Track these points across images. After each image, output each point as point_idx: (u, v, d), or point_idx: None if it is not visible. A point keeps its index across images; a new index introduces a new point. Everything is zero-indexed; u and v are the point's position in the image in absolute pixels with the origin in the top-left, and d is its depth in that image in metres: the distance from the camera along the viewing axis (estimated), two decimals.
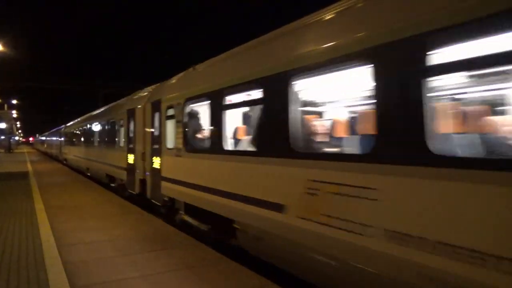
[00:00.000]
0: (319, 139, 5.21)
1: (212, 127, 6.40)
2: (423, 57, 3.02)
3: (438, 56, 3.02)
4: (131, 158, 11.33)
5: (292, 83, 4.52)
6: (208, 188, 6.39)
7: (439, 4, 2.98)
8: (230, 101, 6.12)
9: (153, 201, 9.47)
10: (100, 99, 45.64)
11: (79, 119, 25.94)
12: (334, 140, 5.20)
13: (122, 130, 12.68)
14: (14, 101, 58.93)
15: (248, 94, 5.85)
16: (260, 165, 5.04)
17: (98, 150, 16.43)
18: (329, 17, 4.45)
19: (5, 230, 7.31)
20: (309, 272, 4.45)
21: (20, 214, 8.88)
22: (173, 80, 9.18)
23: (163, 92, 9.09)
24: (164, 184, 8.50)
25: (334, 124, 5.40)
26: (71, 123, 29.11)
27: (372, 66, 3.49)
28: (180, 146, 7.63)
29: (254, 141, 5.68)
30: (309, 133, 5.11)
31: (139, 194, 10.53)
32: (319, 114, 6.32)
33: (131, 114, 11.61)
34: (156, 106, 9.30)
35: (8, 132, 58.91)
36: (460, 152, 3.27)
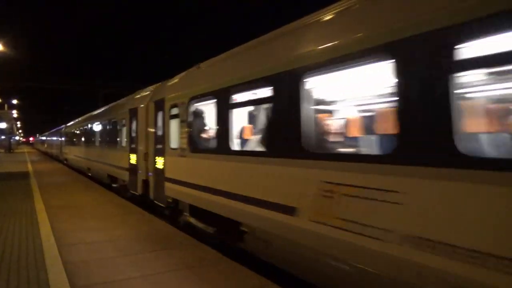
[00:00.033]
0: (334, 139, 5.00)
1: (218, 127, 6.21)
2: (452, 51, 2.84)
3: (468, 50, 2.85)
4: (133, 159, 11.17)
5: (306, 80, 4.33)
6: (214, 189, 6.21)
7: None
8: (238, 99, 5.94)
9: (156, 202, 9.28)
10: (100, 99, 45.65)
11: (80, 118, 25.78)
12: (351, 140, 4.98)
13: (124, 130, 12.54)
14: (15, 101, 58.94)
15: (258, 92, 5.66)
16: (270, 166, 4.86)
17: (100, 150, 16.29)
18: (346, 9, 4.21)
19: (5, 230, 7.31)
20: (322, 278, 4.28)
21: (21, 214, 8.88)
22: (177, 79, 9.01)
23: (167, 91, 8.92)
24: (167, 185, 8.34)
25: (351, 123, 5.17)
26: (72, 122, 28.98)
27: (396, 61, 3.28)
28: (185, 146, 7.46)
29: (263, 141, 5.46)
30: (324, 133, 4.93)
31: (142, 195, 10.35)
32: (335, 113, 5.99)
33: (133, 113, 11.44)
34: (159, 106, 9.13)
35: (9, 132, 58.91)
36: (494, 153, 3.08)
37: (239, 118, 6.33)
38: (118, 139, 13.34)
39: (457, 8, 2.86)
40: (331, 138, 4.98)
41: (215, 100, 6.32)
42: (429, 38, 3.00)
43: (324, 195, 3.94)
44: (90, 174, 18.36)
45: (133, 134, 11.30)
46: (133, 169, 11.10)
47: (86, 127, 20.44)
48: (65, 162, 28.34)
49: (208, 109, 7.17)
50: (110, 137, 14.67)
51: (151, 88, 11.29)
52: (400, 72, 3.26)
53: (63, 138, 31.34)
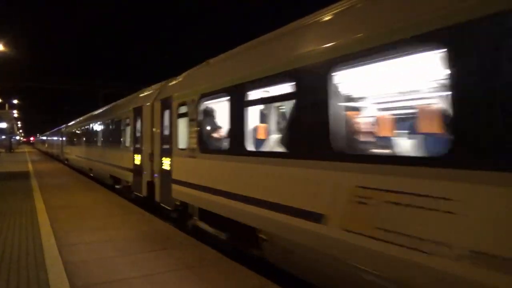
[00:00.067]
0: (373, 139, 4.49)
1: (232, 126, 5.78)
2: None
3: None
4: (137, 159, 10.78)
5: (337, 73, 3.90)
6: (227, 192, 5.78)
7: None
8: (256, 96, 5.51)
9: (162, 205, 8.88)
10: (100, 99, 45.64)
11: (81, 118, 25.41)
12: (395, 140, 4.51)
13: (128, 130, 12.13)
14: (15, 101, 58.99)
15: (279, 88, 5.13)
16: (293, 168, 4.44)
17: (102, 150, 15.93)
18: None
19: (6, 230, 7.31)
20: None
21: (21, 214, 8.88)
22: (185, 76, 8.63)
23: (174, 89, 8.53)
24: (175, 187, 7.92)
25: (393, 122, 4.70)
26: (73, 122, 28.72)
27: (449, 50, 2.87)
28: (194, 146, 7.01)
29: (285, 141, 4.97)
30: (361, 132, 4.44)
31: (147, 198, 9.94)
32: (374, 110, 5.35)
33: (137, 112, 11.07)
34: (166, 104, 8.72)
35: (9, 132, 58.98)
36: None
37: (256, 116, 5.98)
38: (121, 139, 12.97)
39: None
40: (370, 138, 4.48)
41: (229, 97, 5.89)
42: (498, 20, 2.56)
43: (359, 202, 3.53)
44: (92, 175, 18.11)
45: (138, 134, 10.97)
46: (137, 170, 10.75)
47: (88, 126, 20.11)
48: (66, 162, 28.19)
49: (221, 107, 6.76)
50: (113, 137, 14.31)
51: (156, 86, 10.97)
52: (459, 62, 2.84)
53: (64, 138, 31.12)
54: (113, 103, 17.56)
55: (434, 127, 3.64)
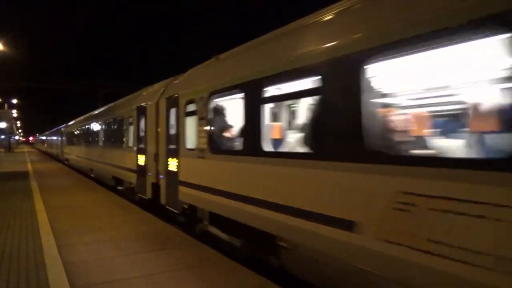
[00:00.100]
0: (418, 139, 4.05)
1: (247, 124, 5.39)
2: None
3: None
4: (141, 160, 10.37)
5: (373, 65, 3.49)
6: (242, 196, 5.37)
7: None
8: (275, 92, 5.15)
9: (168, 208, 8.45)
10: (100, 99, 45.63)
11: (82, 117, 24.95)
12: (443, 140, 4.03)
13: (131, 129, 11.68)
14: (14, 101, 58.96)
15: (302, 82, 4.67)
16: (318, 171, 4.06)
17: (104, 150, 15.51)
18: None
19: (5, 230, 7.31)
20: None
21: (21, 214, 8.88)
22: (192, 73, 8.24)
23: (181, 87, 8.12)
24: (182, 189, 7.51)
25: (444, 118, 4.21)
26: (74, 121, 28.30)
27: None
28: (204, 146, 6.59)
29: (308, 141, 4.53)
30: (403, 131, 3.99)
31: (152, 200, 9.54)
32: (415, 105, 4.80)
33: (141, 111, 10.62)
34: (172, 102, 8.29)
35: (8, 132, 58.98)
36: None
37: (275, 114, 5.60)
38: (124, 138, 12.53)
39: None
40: (413, 139, 4.03)
41: (244, 94, 5.50)
42: None
43: (401, 209, 3.15)
44: (93, 175, 17.75)
45: (142, 134, 10.54)
46: (141, 171, 10.35)
47: (89, 126, 19.72)
48: (66, 162, 27.99)
49: (234, 104, 6.38)
50: (115, 136, 13.86)
51: (160, 84, 10.55)
52: None
53: (64, 138, 30.86)
54: (115, 102, 17.18)
55: (496, 125, 3.21)
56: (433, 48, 3.06)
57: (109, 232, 7.07)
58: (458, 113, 4.21)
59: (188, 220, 7.75)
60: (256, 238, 5.33)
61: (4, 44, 23.74)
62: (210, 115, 6.50)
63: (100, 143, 16.48)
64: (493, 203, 2.55)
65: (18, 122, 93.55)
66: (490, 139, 3.31)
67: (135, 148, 11.07)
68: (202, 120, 6.68)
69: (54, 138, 41.03)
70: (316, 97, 4.26)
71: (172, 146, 8.22)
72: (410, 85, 4.58)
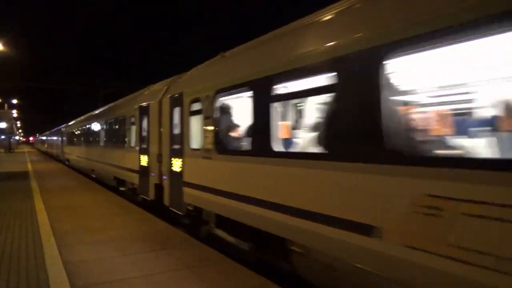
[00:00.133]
0: (447, 138, 3.79)
1: (256, 124, 5.19)
2: None
3: None
4: (144, 160, 10.14)
5: (397, 58, 3.27)
6: (250, 198, 5.17)
7: None
8: (288, 89, 4.92)
9: (172, 209, 8.20)
10: (100, 99, 45.68)
11: (83, 117, 24.67)
12: (475, 140, 3.77)
13: (134, 129, 11.43)
14: (14, 101, 58.99)
15: (317, 79, 4.37)
16: (333, 172, 3.86)
17: (106, 150, 15.26)
18: None
19: (5, 229, 7.31)
20: None
21: (21, 214, 8.88)
22: (197, 71, 8.02)
23: (185, 85, 7.88)
24: (187, 190, 7.30)
25: (472, 117, 3.98)
26: (74, 121, 28.06)
27: None
28: (210, 146, 6.35)
29: (325, 141, 4.19)
30: (430, 130, 3.74)
31: (154, 201, 9.33)
32: (440, 103, 4.46)
33: (144, 110, 10.40)
34: (176, 101, 8.07)
35: (8, 132, 58.94)
36: None
37: (284, 112, 5.32)
38: (126, 138, 12.26)
39: None
40: (442, 138, 3.77)
41: (252, 91, 5.28)
42: None
43: (427, 213, 2.96)
44: (94, 176, 17.52)
45: (144, 133, 10.33)
46: (144, 171, 10.11)
47: (90, 126, 19.46)
48: (66, 162, 27.81)
49: (241, 102, 6.17)
50: (117, 136, 13.61)
51: (162, 83, 10.34)
52: None
53: (64, 138, 30.65)
54: (117, 101, 16.97)
55: None
56: (464, 41, 2.86)
57: (109, 232, 7.07)
58: (489, 111, 3.87)
59: (193, 222, 7.59)
60: (265, 241, 5.16)
61: (4, 44, 23.74)
62: (216, 114, 6.27)
63: (102, 143, 16.24)
64: None
65: (18, 122, 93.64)
66: None
67: (137, 148, 10.84)
68: (208, 119, 6.47)
69: (55, 138, 40.95)
70: (335, 94, 3.93)
71: (176, 146, 8.02)
72: (440, 81, 4.27)
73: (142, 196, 10.31)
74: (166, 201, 8.51)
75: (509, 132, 3.30)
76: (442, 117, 3.91)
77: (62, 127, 34.16)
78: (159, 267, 5.15)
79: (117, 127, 13.87)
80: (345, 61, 3.73)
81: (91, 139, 19.00)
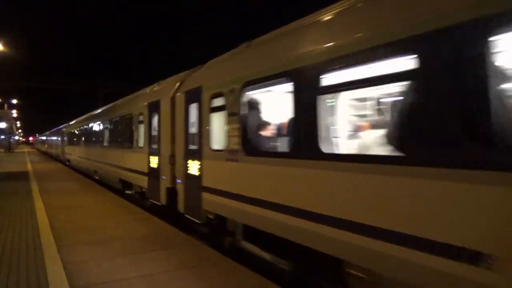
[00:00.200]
0: None
1: (298, 121, 4.41)
2: None
3: None
4: (154, 162, 9.34)
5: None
6: (292, 208, 4.38)
7: None
8: (337, 80, 4.00)
9: (188, 217, 7.47)
10: (100, 99, 45.71)
11: (85, 116, 24.01)
12: None
13: (142, 128, 10.60)
14: (14, 101, 59.07)
15: (385, 64, 3.47)
16: (415, 181, 3.04)
17: (110, 151, 14.43)
18: None
19: (5, 229, 7.30)
20: None
21: (20, 214, 8.87)
22: (217, 63, 7.29)
23: (204, 78, 7.14)
24: (206, 196, 6.57)
25: None
26: (76, 121, 27.64)
27: None
28: (236, 147, 5.58)
29: (399, 140, 3.29)
30: None
31: (166, 206, 8.55)
32: None
33: (154, 107, 9.58)
34: (193, 96, 7.29)
35: (8, 132, 58.98)
36: None
37: (338, 107, 4.53)
38: (134, 138, 11.36)
39: None
40: None
41: (293, 82, 4.47)
42: None
43: None
44: (97, 177, 16.87)
45: (154, 133, 9.54)
46: (153, 174, 9.32)
47: (93, 125, 18.61)
48: (67, 163, 27.52)
49: (276, 96, 5.58)
50: (123, 136, 12.73)
51: (175, 78, 9.49)
52: None
53: (65, 138, 30.28)
54: (122, 99, 16.14)
55: None
56: None
57: (109, 232, 7.06)
58: None
59: (214, 232, 6.88)
60: (312, 260, 4.39)
61: (4, 44, 23.78)
62: (244, 110, 5.48)
63: (106, 143, 15.37)
64: None
65: (18, 122, 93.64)
66: None
67: (146, 149, 10.04)
68: (234, 116, 5.68)
69: (55, 138, 40.83)
70: (408, 82, 3.18)
71: (193, 147, 7.31)
72: None
73: (152, 200, 9.59)
74: (181, 207, 7.74)
75: None
76: None
77: (63, 126, 33.90)
78: (159, 267, 5.14)
79: (123, 126, 12.98)
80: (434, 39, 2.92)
81: (94, 139, 18.30)
